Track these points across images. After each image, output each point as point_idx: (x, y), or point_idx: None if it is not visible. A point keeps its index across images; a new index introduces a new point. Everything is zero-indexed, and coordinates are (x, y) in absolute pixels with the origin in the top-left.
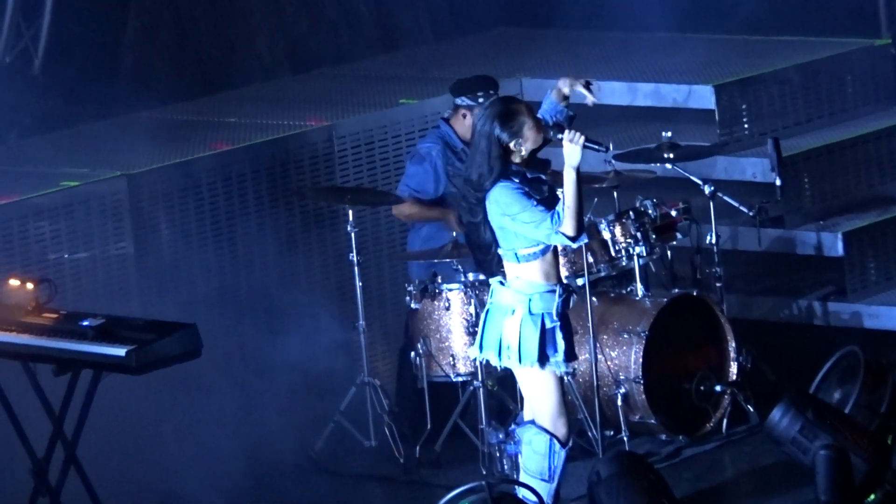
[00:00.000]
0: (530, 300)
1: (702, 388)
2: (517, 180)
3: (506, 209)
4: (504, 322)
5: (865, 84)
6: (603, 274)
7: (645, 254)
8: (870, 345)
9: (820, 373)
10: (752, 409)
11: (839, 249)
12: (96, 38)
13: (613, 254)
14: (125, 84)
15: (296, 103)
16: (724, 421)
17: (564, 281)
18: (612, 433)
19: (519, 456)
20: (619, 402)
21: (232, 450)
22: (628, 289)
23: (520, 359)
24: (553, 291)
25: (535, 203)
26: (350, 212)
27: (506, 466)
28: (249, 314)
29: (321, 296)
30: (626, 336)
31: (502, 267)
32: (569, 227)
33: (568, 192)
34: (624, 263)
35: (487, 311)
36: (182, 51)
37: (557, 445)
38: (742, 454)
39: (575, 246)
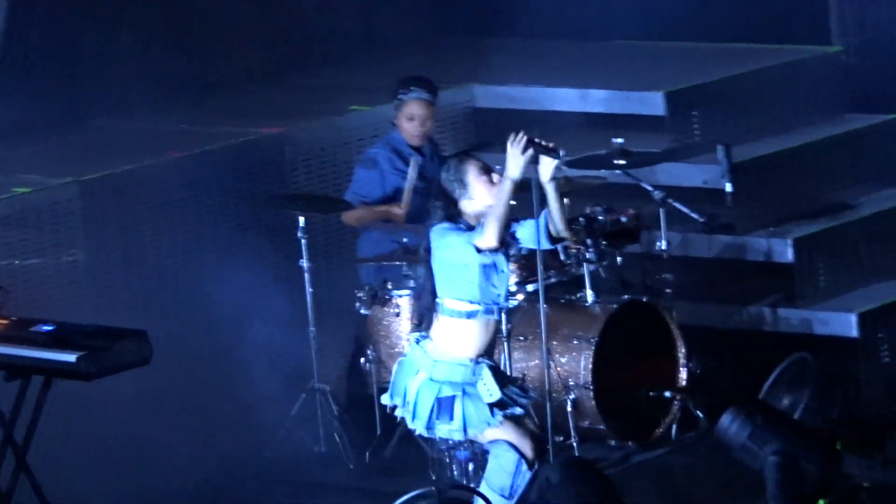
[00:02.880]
0: (435, 366)
1: (651, 394)
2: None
3: (437, 241)
4: (407, 378)
5: (817, 92)
6: (553, 280)
7: (595, 260)
8: (819, 351)
9: (769, 379)
10: (701, 416)
11: (789, 256)
12: (54, 46)
13: (563, 261)
14: (81, 92)
15: (250, 111)
16: (674, 427)
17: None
18: (561, 439)
19: (470, 463)
20: (569, 408)
21: (183, 458)
22: (578, 295)
23: (413, 418)
24: (464, 366)
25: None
26: (301, 218)
27: (455, 473)
28: (200, 321)
29: (272, 302)
30: (575, 342)
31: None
32: (489, 234)
33: (497, 201)
34: (574, 270)
35: (400, 362)
36: (139, 60)
37: (525, 466)
38: (692, 460)
39: (483, 260)
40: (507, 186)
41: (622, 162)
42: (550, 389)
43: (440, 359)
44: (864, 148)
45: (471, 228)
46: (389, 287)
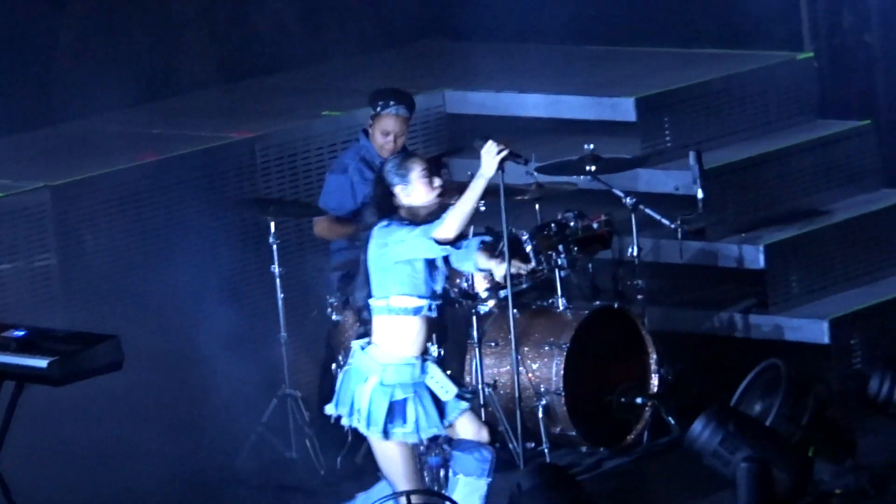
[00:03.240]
0: (384, 370)
1: (623, 400)
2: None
3: (383, 239)
4: (357, 387)
5: (788, 97)
6: (524, 286)
7: (566, 266)
8: (791, 358)
9: (741, 385)
10: (673, 422)
11: (761, 262)
12: (23, 48)
13: (534, 267)
14: (52, 94)
15: (222, 115)
16: (646, 433)
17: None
18: (533, 445)
19: (442, 469)
20: (541, 415)
21: (156, 463)
22: (549, 301)
23: (367, 425)
24: (411, 365)
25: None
26: (272, 224)
27: (426, 479)
28: (174, 326)
29: (245, 307)
30: (547, 348)
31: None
32: (449, 226)
33: (466, 195)
34: (545, 276)
35: (345, 371)
36: (112, 61)
37: None
38: (663, 466)
39: (440, 253)
40: (479, 184)
41: (593, 168)
42: (521, 395)
43: (388, 362)
44: (836, 154)
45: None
46: None
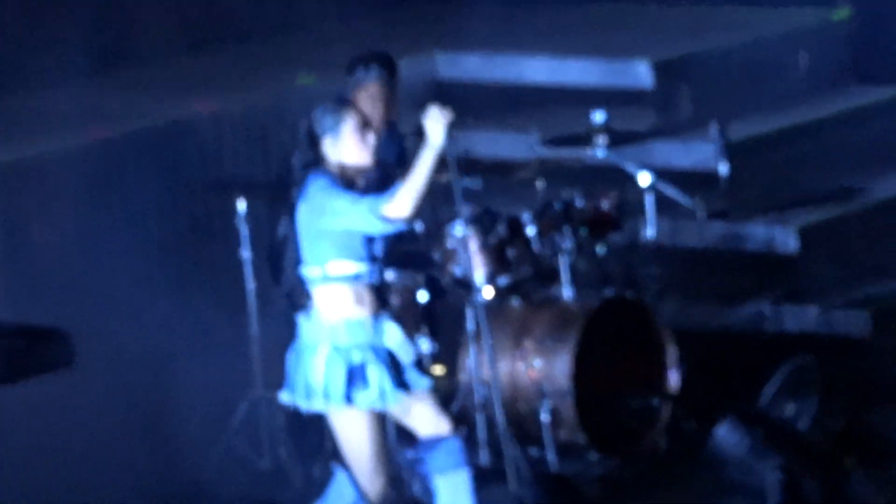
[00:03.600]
0: (335, 332)
1: (637, 401)
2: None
3: (318, 204)
4: (309, 360)
5: (822, 62)
6: (526, 274)
7: (572, 251)
8: (826, 353)
9: (771, 385)
10: (693, 427)
11: (792, 246)
12: None
13: (537, 252)
14: None
15: (185, 88)
16: (662, 439)
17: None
18: (536, 453)
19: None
20: (545, 418)
21: (112, 473)
22: (554, 291)
23: (327, 399)
24: (363, 323)
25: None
26: (240, 205)
27: (416, 489)
28: (132, 322)
29: (210, 300)
30: (551, 343)
31: (307, 297)
32: (402, 203)
33: (416, 170)
34: (549, 262)
35: (293, 350)
36: (62, 28)
37: None
38: (681, 475)
39: (387, 231)
40: (429, 155)
41: (603, 140)
42: (524, 396)
43: (337, 322)
44: (875, 125)
45: (349, 187)
46: None
